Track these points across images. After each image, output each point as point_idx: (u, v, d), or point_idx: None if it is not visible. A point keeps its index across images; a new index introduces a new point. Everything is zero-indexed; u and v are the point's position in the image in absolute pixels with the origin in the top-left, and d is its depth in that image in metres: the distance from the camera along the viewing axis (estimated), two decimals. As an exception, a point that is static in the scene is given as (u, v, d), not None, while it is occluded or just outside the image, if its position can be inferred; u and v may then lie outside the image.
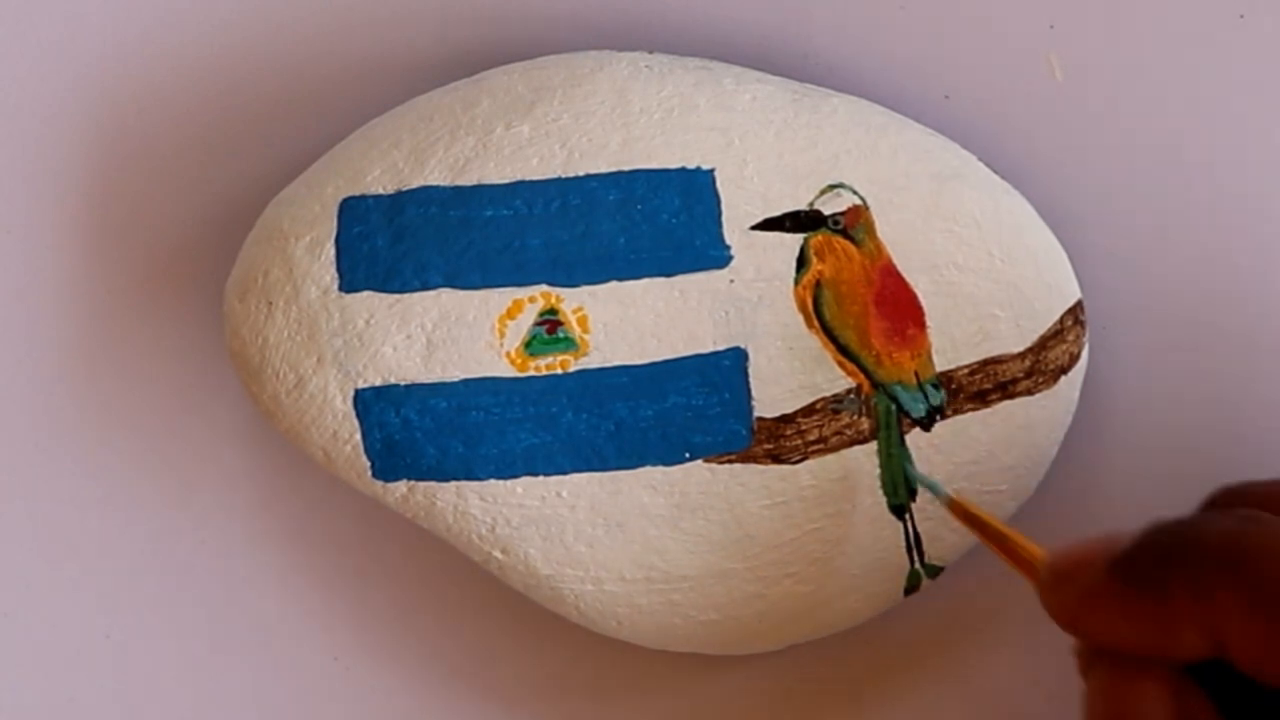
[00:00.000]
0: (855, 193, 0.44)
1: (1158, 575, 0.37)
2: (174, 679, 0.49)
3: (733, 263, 0.44)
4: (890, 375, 0.44)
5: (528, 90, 0.44)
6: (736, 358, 0.44)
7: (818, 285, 0.44)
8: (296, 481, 0.48)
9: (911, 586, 0.45)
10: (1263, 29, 0.46)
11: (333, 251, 0.44)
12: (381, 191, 0.44)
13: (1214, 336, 0.47)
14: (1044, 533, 0.42)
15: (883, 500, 0.45)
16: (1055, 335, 0.45)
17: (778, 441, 0.44)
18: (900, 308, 0.44)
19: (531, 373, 0.44)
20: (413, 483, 0.44)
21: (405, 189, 0.44)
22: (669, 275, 0.44)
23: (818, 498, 0.45)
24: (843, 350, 0.44)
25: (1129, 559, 0.38)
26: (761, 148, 0.44)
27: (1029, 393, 0.45)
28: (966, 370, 0.45)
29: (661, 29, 0.47)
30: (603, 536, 0.44)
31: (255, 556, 0.49)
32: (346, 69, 0.48)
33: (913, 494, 0.45)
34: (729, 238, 0.44)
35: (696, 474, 0.44)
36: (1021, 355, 0.45)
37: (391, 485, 0.44)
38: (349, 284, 0.44)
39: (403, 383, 0.44)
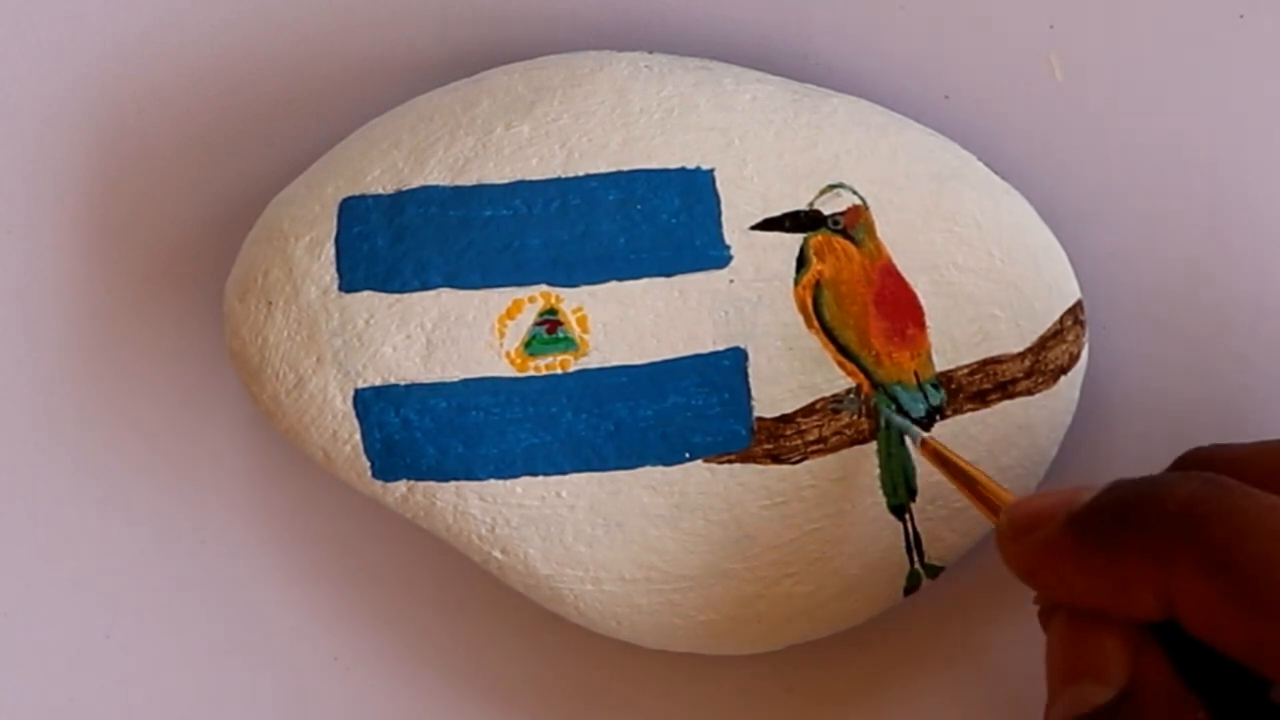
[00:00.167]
0: (855, 193, 0.44)
1: (1114, 533, 0.37)
2: (174, 679, 0.49)
3: (733, 263, 0.44)
4: (890, 375, 0.44)
5: (528, 90, 0.44)
6: (736, 358, 0.44)
7: (817, 285, 0.44)
8: (296, 481, 0.48)
9: (911, 586, 0.45)
10: (1263, 29, 0.46)
11: (333, 251, 0.44)
12: (381, 191, 0.44)
13: (1214, 336, 0.47)
14: (1044, 533, 0.42)
15: (882, 500, 0.45)
16: (1055, 335, 0.45)
17: (777, 441, 0.44)
18: (900, 308, 0.44)
19: (531, 373, 0.44)
20: (412, 483, 0.44)
21: (405, 189, 0.44)
22: (669, 275, 0.44)
23: (817, 498, 0.45)
24: (842, 350, 0.44)
25: (1087, 515, 0.38)
26: (761, 148, 0.44)
27: (1029, 393, 0.45)
28: (966, 370, 0.45)
29: (661, 29, 0.47)
30: (602, 536, 0.44)
31: (255, 556, 0.49)
32: (346, 69, 0.48)
33: (912, 494, 0.45)
34: (729, 238, 0.44)
35: (696, 474, 0.44)
36: (1021, 355, 0.45)
37: (391, 485, 0.44)
38: (349, 284, 0.44)
39: (402, 383, 0.44)
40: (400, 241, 0.44)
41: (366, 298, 0.44)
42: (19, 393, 0.49)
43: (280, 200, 0.45)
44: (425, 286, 0.44)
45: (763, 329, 0.44)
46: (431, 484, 0.44)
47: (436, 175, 0.44)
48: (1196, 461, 0.41)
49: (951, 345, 0.45)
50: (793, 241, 0.44)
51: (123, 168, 0.48)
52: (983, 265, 0.45)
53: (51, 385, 0.49)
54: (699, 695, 0.48)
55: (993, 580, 0.46)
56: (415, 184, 0.44)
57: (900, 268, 0.44)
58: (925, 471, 0.44)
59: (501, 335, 0.44)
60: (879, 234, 0.44)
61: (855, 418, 0.44)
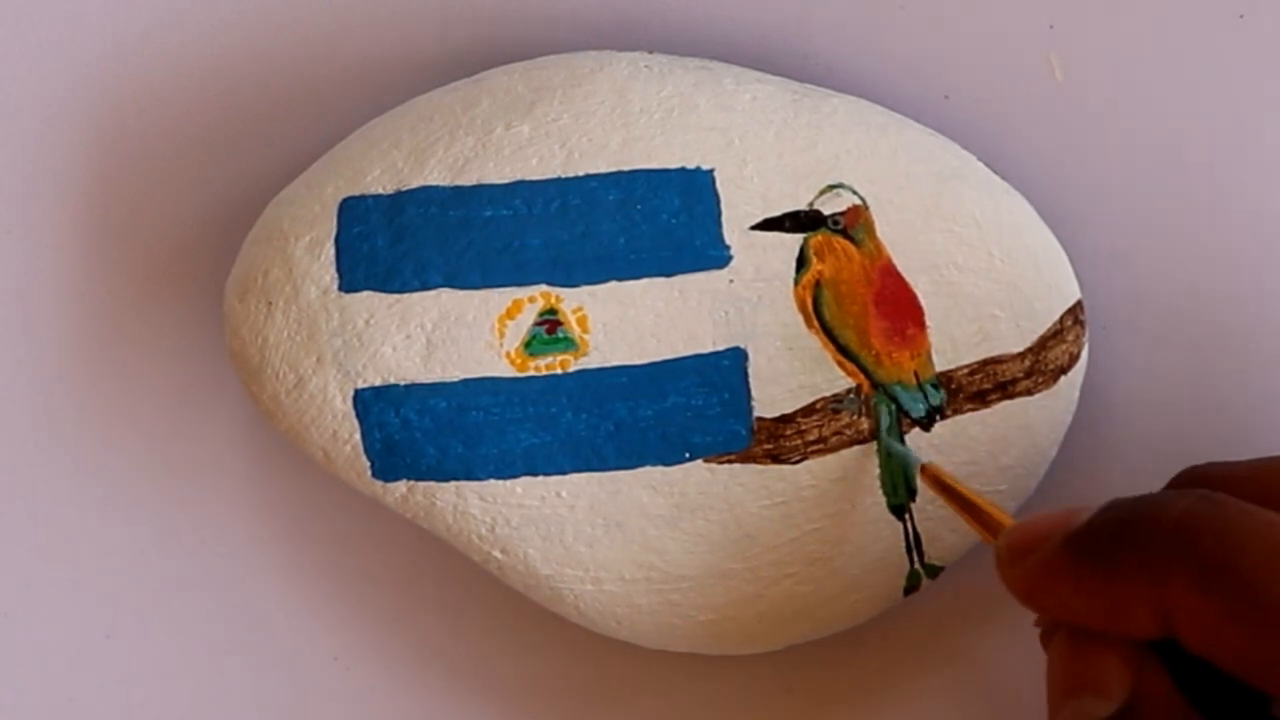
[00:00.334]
0: (855, 193, 0.44)
1: (1110, 553, 0.37)
2: (174, 679, 0.49)
3: (732, 263, 0.44)
4: (890, 375, 0.44)
5: (528, 90, 0.44)
6: (736, 358, 0.44)
7: (817, 285, 0.44)
8: (296, 481, 0.48)
9: (911, 586, 0.45)
10: (1263, 29, 0.46)
11: (332, 251, 0.44)
12: (381, 191, 0.44)
13: (1214, 336, 0.47)
14: (1044, 533, 0.42)
15: (882, 500, 0.45)
16: (1055, 335, 0.45)
17: (777, 441, 0.44)
18: (900, 308, 0.44)
19: (531, 373, 0.44)
20: (412, 483, 0.44)
21: (405, 189, 0.44)
22: (669, 275, 0.44)
23: (817, 498, 0.45)
24: (842, 350, 0.44)
25: (1084, 535, 0.38)
26: (761, 148, 0.44)
27: (1029, 393, 0.45)
28: (966, 370, 0.45)
29: (661, 29, 0.47)
30: (602, 536, 0.44)
31: (255, 556, 0.49)
32: (346, 69, 0.48)
33: (912, 494, 0.45)
34: (729, 238, 0.44)
35: (696, 474, 0.44)
36: (1021, 355, 0.45)
37: (391, 485, 0.44)
38: (349, 284, 0.44)
39: (402, 383, 0.44)
40: (400, 241, 0.44)
41: (366, 298, 0.44)
42: (19, 393, 0.49)
43: (280, 200, 0.45)
44: (425, 286, 0.44)
45: (763, 329, 0.44)
46: (431, 484, 0.44)
47: (436, 175, 0.44)
48: (1193, 479, 0.41)
49: (951, 345, 0.45)
50: (793, 241, 0.44)
51: (123, 168, 0.48)
52: (983, 265, 0.45)
53: (51, 385, 0.49)
54: (699, 695, 0.48)
55: (993, 581, 0.46)
56: (415, 184, 0.44)
57: (900, 268, 0.44)
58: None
59: (501, 335, 0.44)
60: (879, 234, 0.44)
61: (855, 418, 0.45)
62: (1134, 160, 0.47)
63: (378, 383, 0.44)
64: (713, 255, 0.44)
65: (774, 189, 0.44)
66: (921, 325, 0.44)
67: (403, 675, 0.49)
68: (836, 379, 0.44)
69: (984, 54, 0.47)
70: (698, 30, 0.47)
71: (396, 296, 0.44)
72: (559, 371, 0.44)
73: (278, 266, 0.44)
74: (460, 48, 0.47)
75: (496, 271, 0.44)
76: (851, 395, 0.44)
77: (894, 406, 0.44)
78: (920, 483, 0.44)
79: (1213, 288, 0.47)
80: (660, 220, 0.44)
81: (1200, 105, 0.47)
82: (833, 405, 0.44)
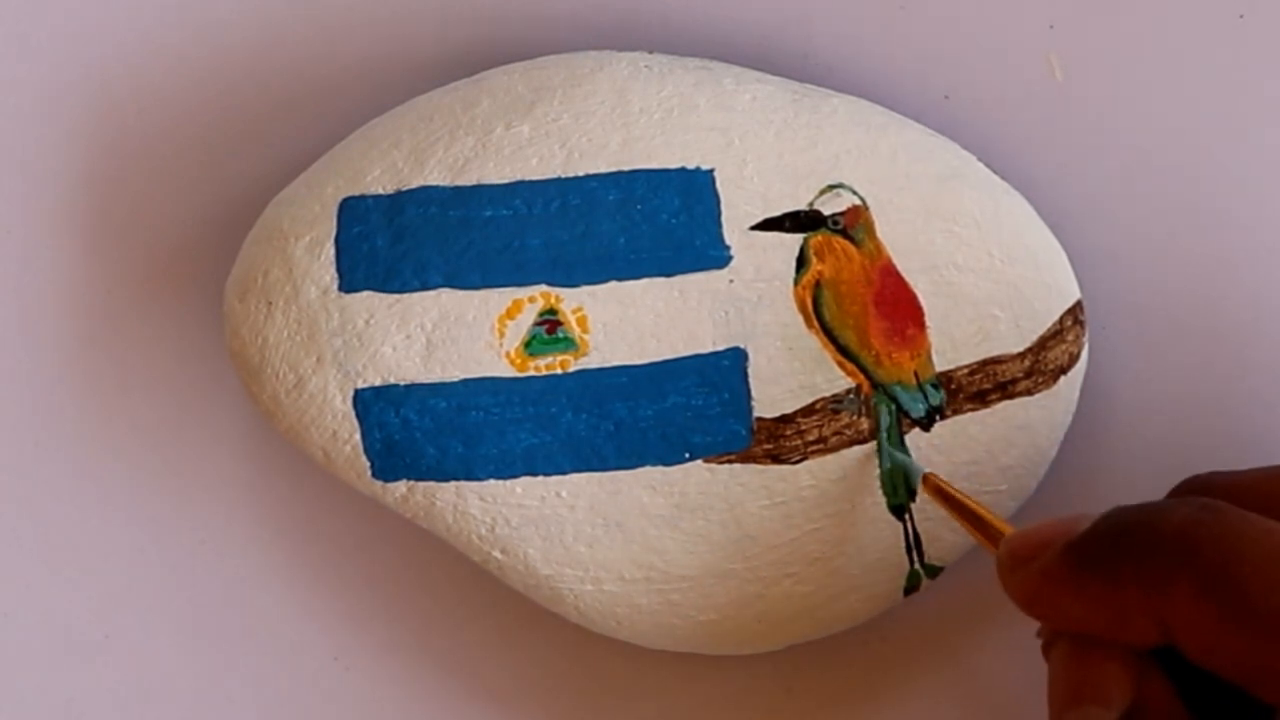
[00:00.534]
0: (855, 193, 0.44)
1: (1111, 561, 0.37)
2: (174, 679, 0.49)
3: (732, 263, 0.44)
4: (890, 375, 0.44)
5: (528, 90, 0.44)
6: (736, 358, 0.44)
7: (817, 285, 0.44)
8: (296, 481, 0.48)
9: (911, 586, 0.45)
10: (1263, 29, 0.46)
11: (332, 251, 0.44)
12: (381, 191, 0.44)
13: (1214, 336, 0.47)
14: (1044, 533, 0.42)
15: (882, 500, 0.45)
16: (1055, 335, 0.45)
17: (777, 442, 0.44)
18: (900, 308, 0.44)
19: (531, 373, 0.44)
20: (412, 483, 0.44)
21: (405, 189, 0.44)
22: (669, 275, 0.44)
23: (817, 498, 0.45)
24: (842, 350, 0.44)
25: (1084, 543, 0.38)
26: (761, 148, 0.44)
27: (1028, 393, 0.45)
28: (966, 370, 0.45)
29: (661, 29, 0.47)
30: (602, 536, 0.44)
31: (255, 556, 0.49)
32: (346, 69, 0.48)
33: (912, 494, 0.45)
34: (729, 238, 0.44)
35: (696, 474, 0.44)
36: (1021, 355, 0.45)
37: (391, 485, 0.44)
38: (349, 284, 0.44)
39: (402, 383, 0.44)
40: (400, 241, 0.44)
41: (366, 298, 0.44)
42: (19, 393, 0.49)
43: (280, 200, 0.45)
44: (425, 286, 0.44)
45: (763, 329, 0.44)
46: (431, 484, 0.44)
47: (436, 175, 0.44)
48: (1194, 488, 0.40)
49: (951, 345, 0.45)
50: (793, 241, 0.44)
51: (123, 168, 0.48)
52: (983, 265, 0.45)
53: (51, 385, 0.49)
54: (699, 695, 0.48)
55: (992, 582, 0.46)
56: (415, 184, 0.44)
57: (900, 268, 0.44)
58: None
59: (501, 335, 0.44)
60: (879, 234, 0.44)
61: (855, 418, 0.44)
62: (1134, 160, 0.47)
63: (378, 383, 0.44)
64: (713, 255, 0.44)
65: (774, 189, 0.44)
66: (921, 325, 0.44)
67: (403, 675, 0.49)
68: (836, 379, 0.44)
69: (984, 54, 0.47)
70: (698, 30, 0.47)
71: (396, 296, 0.44)
72: (559, 371, 0.44)
73: (278, 266, 0.44)
74: (460, 48, 0.47)
75: (496, 271, 0.44)
76: (851, 395, 0.44)
77: (894, 406, 0.44)
78: (922, 493, 0.44)
79: (1212, 288, 0.47)
80: (660, 220, 0.44)
81: (1200, 105, 0.47)
82: (833, 405, 0.44)
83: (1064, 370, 0.45)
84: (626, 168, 0.44)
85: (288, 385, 0.44)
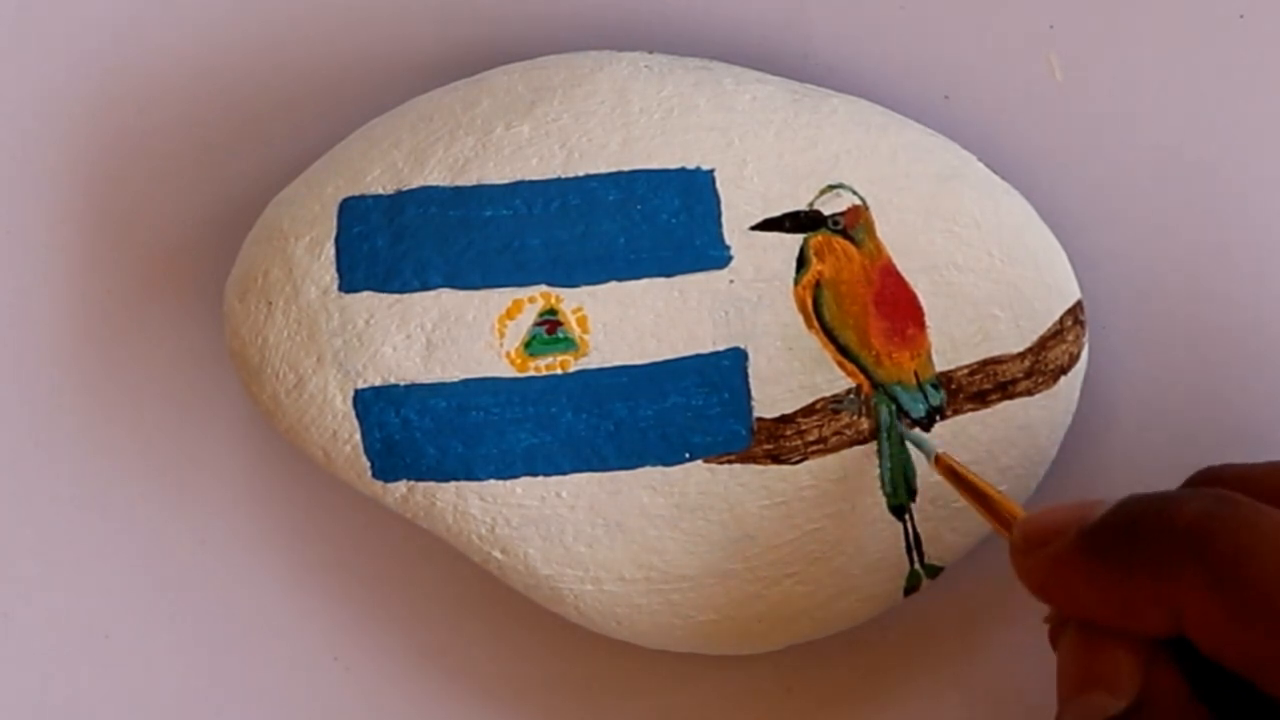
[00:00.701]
0: (855, 193, 0.44)
1: (1124, 549, 0.37)
2: (174, 679, 0.49)
3: (733, 263, 0.44)
4: (890, 375, 0.44)
5: (528, 90, 0.44)
6: (736, 358, 0.44)
7: (817, 285, 0.44)
8: (296, 481, 0.48)
9: (911, 587, 0.45)
10: (1263, 29, 0.46)
11: (332, 251, 0.44)
12: (381, 191, 0.44)
13: (1214, 336, 0.47)
14: (1044, 533, 0.42)
15: (882, 500, 0.45)
16: (1055, 335, 0.45)
17: (777, 442, 0.44)
18: (900, 308, 0.44)
19: (531, 373, 0.44)
20: (412, 483, 0.44)
21: (405, 189, 0.44)
22: (669, 275, 0.44)
23: (817, 498, 0.45)
24: (842, 350, 0.44)
25: (1099, 530, 0.38)
26: (761, 148, 0.44)
27: (1029, 393, 0.45)
28: (966, 370, 0.45)
29: (661, 29, 0.47)
30: (602, 536, 0.44)
31: (255, 556, 0.49)
32: (346, 69, 0.48)
33: (912, 494, 0.45)
34: (729, 238, 0.44)
35: (696, 474, 0.44)
36: (1021, 355, 0.45)
37: (391, 485, 0.44)
38: (349, 284, 0.44)
39: (402, 383, 0.44)
40: (400, 241, 0.44)
41: (366, 298, 0.44)
42: (19, 393, 0.49)
43: (280, 200, 0.45)
44: (425, 286, 0.44)
45: (763, 329, 0.44)
46: (431, 484, 0.44)
47: (436, 175, 0.44)
48: (1209, 479, 0.40)
49: (951, 345, 0.45)
50: (793, 241, 0.44)
51: (123, 168, 0.48)
52: (983, 265, 0.45)
53: (51, 385, 0.49)
54: (699, 695, 0.48)
55: (993, 581, 0.46)
56: (415, 184, 0.44)
57: (900, 268, 0.44)
58: (925, 472, 0.44)
59: (501, 335, 0.44)
60: (879, 234, 0.44)
61: (855, 418, 0.44)
62: (1134, 160, 0.47)
63: (378, 383, 0.44)
64: (713, 255, 0.44)
65: (774, 189, 0.44)
66: (921, 325, 0.44)
67: (403, 675, 0.49)
68: (836, 379, 0.44)
69: (984, 54, 0.47)
70: (698, 30, 0.47)
71: (396, 296, 0.44)
72: (559, 372, 0.44)
73: (278, 266, 0.44)
74: (460, 48, 0.47)
75: (496, 271, 0.44)
76: (851, 395, 0.44)
77: (894, 407, 0.44)
78: (928, 475, 0.44)
79: (1212, 288, 0.47)
80: (660, 220, 0.44)
81: (1200, 105, 0.47)
82: (833, 405, 0.44)
83: (1064, 370, 0.45)
84: (626, 168, 0.44)
85: (288, 385, 0.44)
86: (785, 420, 0.44)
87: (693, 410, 0.44)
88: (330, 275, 0.44)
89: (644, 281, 0.44)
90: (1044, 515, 0.39)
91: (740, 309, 0.44)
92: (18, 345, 0.48)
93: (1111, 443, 0.47)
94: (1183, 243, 0.47)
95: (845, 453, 0.45)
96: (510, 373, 0.44)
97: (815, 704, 0.48)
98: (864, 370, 0.44)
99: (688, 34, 0.47)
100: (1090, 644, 0.38)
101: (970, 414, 0.45)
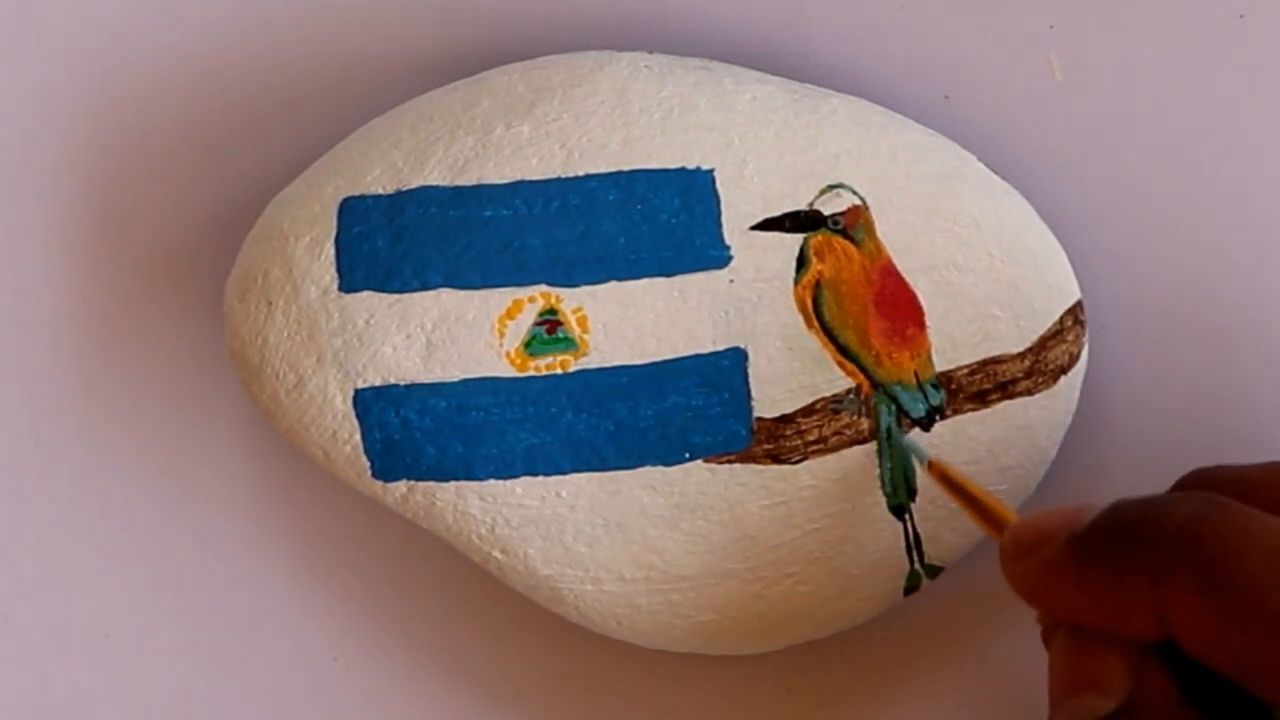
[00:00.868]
0: (855, 193, 0.44)
1: (1114, 553, 0.37)
2: (174, 679, 0.49)
3: (732, 263, 0.44)
4: (890, 375, 0.44)
5: (528, 90, 0.44)
6: (736, 358, 0.44)
7: (817, 285, 0.44)
8: (296, 481, 0.48)
9: (911, 587, 0.45)
10: (1263, 29, 0.46)
11: (332, 251, 0.44)
12: (381, 191, 0.44)
13: (1214, 336, 0.47)
14: (1044, 533, 0.42)
15: (882, 500, 0.45)
16: (1055, 335, 0.45)
17: (777, 442, 0.44)
18: (900, 308, 0.44)
19: (531, 373, 0.44)
20: (412, 483, 0.44)
21: (405, 189, 0.44)
22: (669, 275, 0.44)
23: (817, 498, 0.45)
24: (842, 350, 0.44)
25: (1088, 535, 0.38)
26: (761, 148, 0.44)
27: (1029, 393, 0.45)
28: (966, 370, 0.45)
29: (661, 29, 0.47)
30: (602, 536, 0.44)
31: (255, 556, 0.49)
32: (346, 69, 0.48)
33: (912, 494, 0.45)
34: (729, 238, 0.44)
35: (696, 474, 0.44)
36: (1021, 355, 0.45)
37: (391, 485, 0.44)
38: (349, 284, 0.44)
39: (402, 383, 0.44)
40: (400, 241, 0.44)
41: (366, 298, 0.44)
42: (19, 392, 0.49)
43: (280, 200, 0.45)
44: (425, 286, 0.44)
45: (763, 329, 0.44)
46: (431, 484, 0.44)
47: (436, 175, 0.44)
48: (1200, 481, 0.40)
49: (951, 345, 0.45)
50: (793, 241, 0.44)
51: (123, 168, 0.48)
52: (983, 265, 0.45)
53: (51, 385, 0.49)
54: (699, 695, 0.48)
55: (993, 581, 0.46)
56: (415, 184, 0.44)
57: (900, 268, 0.44)
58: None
59: (501, 335, 0.44)
60: (879, 234, 0.44)
61: (855, 418, 0.44)
62: (1134, 160, 0.47)
63: (378, 383, 0.44)
64: (713, 255, 0.44)
65: (774, 189, 0.44)
66: (921, 325, 0.44)
67: (403, 675, 0.49)
68: (836, 379, 0.44)
69: (984, 54, 0.47)
70: (698, 30, 0.47)
71: (396, 296, 0.44)
72: (559, 371, 0.44)
73: (278, 266, 0.44)
74: (460, 48, 0.47)
75: (496, 271, 0.44)
76: (851, 395, 0.44)
77: (894, 406, 0.44)
78: (925, 478, 0.44)
79: (1212, 288, 0.47)
80: (660, 220, 0.44)
81: (1200, 105, 0.47)
82: (833, 405, 0.44)
83: (1064, 370, 0.45)
84: (626, 168, 0.44)
85: (288, 385, 0.44)
86: (785, 420, 0.44)
87: (693, 410, 0.44)
88: (330, 275, 0.44)
89: (644, 281, 0.44)
90: (1034, 521, 0.39)
91: (740, 309, 0.44)
92: (18, 345, 0.48)
93: (1111, 443, 0.47)
94: (1183, 243, 0.47)
95: (845, 453, 0.45)
96: (510, 373, 0.44)
97: (815, 704, 0.48)
98: (864, 370, 0.44)
99: (688, 34, 0.47)
100: (1081, 647, 0.38)
101: (970, 414, 0.45)
